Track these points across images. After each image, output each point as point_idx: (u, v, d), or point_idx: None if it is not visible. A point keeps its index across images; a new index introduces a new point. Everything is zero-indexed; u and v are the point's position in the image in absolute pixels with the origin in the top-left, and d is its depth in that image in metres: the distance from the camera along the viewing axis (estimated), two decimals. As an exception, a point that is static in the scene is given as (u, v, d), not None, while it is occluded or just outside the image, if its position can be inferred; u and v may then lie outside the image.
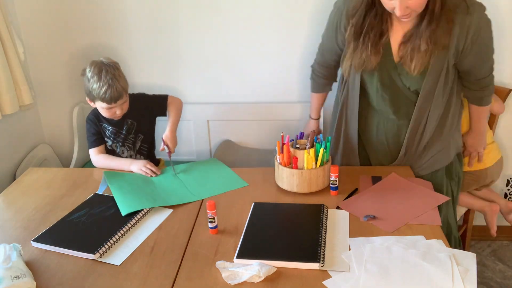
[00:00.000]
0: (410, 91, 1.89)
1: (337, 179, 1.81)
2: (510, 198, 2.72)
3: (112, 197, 1.83)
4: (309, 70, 2.51)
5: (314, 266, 1.41)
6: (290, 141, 1.86)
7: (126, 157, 2.20)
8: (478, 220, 2.63)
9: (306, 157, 1.78)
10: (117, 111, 2.05)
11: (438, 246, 1.49)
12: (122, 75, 2.05)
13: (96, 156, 2.15)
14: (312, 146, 1.83)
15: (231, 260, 1.46)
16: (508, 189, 2.69)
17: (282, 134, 1.89)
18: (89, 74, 2.01)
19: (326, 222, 1.63)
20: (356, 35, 1.81)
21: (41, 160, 2.61)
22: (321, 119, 2.54)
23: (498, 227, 2.76)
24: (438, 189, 1.91)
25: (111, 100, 1.99)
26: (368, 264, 1.41)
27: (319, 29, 2.37)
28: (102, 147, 2.16)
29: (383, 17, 1.79)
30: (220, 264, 1.43)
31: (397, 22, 1.80)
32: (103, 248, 1.54)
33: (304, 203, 1.76)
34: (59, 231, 1.66)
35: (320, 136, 1.88)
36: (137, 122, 2.19)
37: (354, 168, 2.05)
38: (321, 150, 1.80)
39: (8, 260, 1.41)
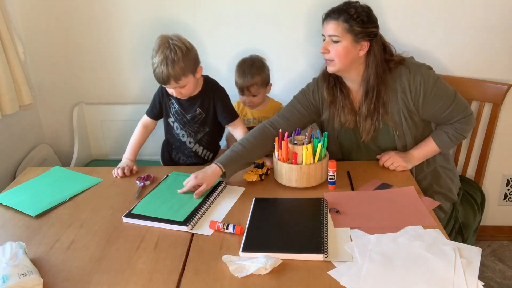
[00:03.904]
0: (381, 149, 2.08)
1: (335, 173, 1.84)
2: (510, 198, 2.73)
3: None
4: (310, 70, 2.53)
5: (319, 257, 1.44)
6: (288, 137, 1.88)
7: (185, 141, 2.17)
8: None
9: (304, 152, 1.80)
10: (174, 92, 2.00)
11: (443, 238, 1.51)
12: (180, 59, 1.89)
13: (140, 125, 2.21)
14: (310, 142, 1.86)
15: (236, 254, 1.47)
16: (508, 189, 2.71)
17: (280, 131, 1.91)
18: (153, 49, 1.93)
19: (326, 214, 1.66)
20: (331, 103, 2.05)
21: (41, 160, 2.60)
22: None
23: (498, 227, 2.79)
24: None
25: (158, 80, 1.95)
26: (373, 253, 1.45)
27: (319, 29, 2.38)
28: (150, 120, 2.21)
29: (346, 88, 2.05)
30: (226, 258, 1.44)
31: (353, 89, 2.04)
32: (193, 221, 1.65)
33: (304, 197, 1.79)
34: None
35: (318, 132, 1.89)
36: (206, 114, 2.12)
37: (354, 162, 2.08)
38: (319, 145, 1.83)
39: (15, 258, 1.41)
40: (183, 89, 1.98)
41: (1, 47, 2.23)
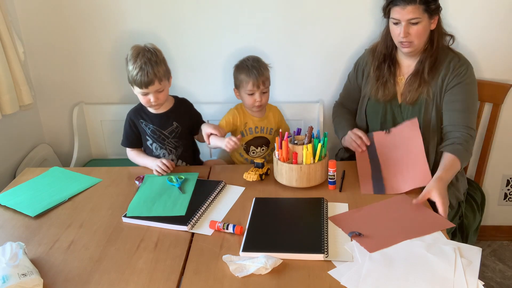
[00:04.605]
0: None
1: (335, 173, 1.84)
2: (510, 198, 2.73)
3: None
4: (311, 70, 2.54)
5: (319, 257, 1.44)
6: (288, 137, 1.88)
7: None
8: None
9: (305, 152, 1.80)
10: (152, 99, 2.00)
11: (443, 238, 1.51)
12: (161, 62, 1.99)
13: (131, 152, 2.18)
14: (310, 142, 1.86)
15: (237, 254, 1.48)
16: (508, 189, 2.71)
17: (280, 131, 1.91)
18: (128, 57, 1.99)
19: (326, 214, 1.66)
20: (376, 78, 2.13)
21: (41, 160, 2.60)
22: (321, 118, 2.56)
23: (498, 227, 2.79)
24: None
25: (141, 84, 1.94)
26: (374, 253, 1.45)
27: (320, 29, 2.40)
28: (133, 149, 2.19)
29: (394, 65, 2.12)
30: (227, 257, 1.44)
31: (404, 64, 2.11)
32: (193, 221, 1.65)
33: (304, 197, 1.79)
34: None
35: (317, 131, 1.90)
36: (182, 127, 2.14)
37: (354, 162, 2.06)
38: (319, 145, 1.83)
39: (15, 258, 1.40)
40: (161, 94, 2.01)
41: (1, 47, 2.23)
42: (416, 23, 1.93)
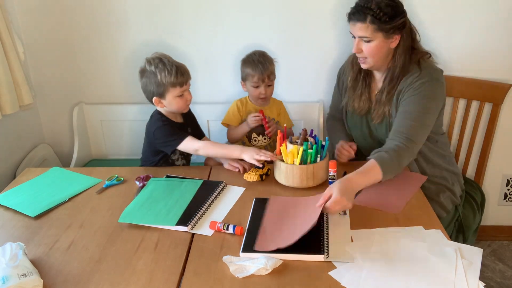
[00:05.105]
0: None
1: (335, 174, 1.83)
2: (510, 198, 2.73)
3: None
4: (312, 71, 2.54)
5: (319, 257, 1.44)
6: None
7: (179, 165, 2.17)
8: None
9: (283, 151, 1.83)
10: (188, 96, 2.05)
11: (444, 239, 1.51)
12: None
13: (199, 142, 2.01)
14: (301, 144, 1.86)
15: (237, 255, 1.47)
16: (508, 189, 2.71)
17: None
18: (151, 68, 1.98)
19: (327, 215, 1.65)
20: (351, 88, 2.09)
21: (41, 160, 2.60)
22: (321, 118, 2.56)
23: (498, 227, 2.79)
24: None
25: (183, 77, 1.99)
26: (374, 254, 1.45)
27: (321, 29, 2.40)
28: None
29: (370, 78, 2.07)
30: (227, 258, 1.44)
31: (377, 79, 2.06)
32: (193, 221, 1.65)
33: (304, 197, 1.77)
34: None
35: (316, 138, 1.90)
36: (192, 131, 2.17)
37: (354, 163, 2.05)
38: (301, 149, 1.81)
39: (15, 259, 1.40)
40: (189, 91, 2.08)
41: (1, 47, 2.22)
42: (368, 41, 1.86)
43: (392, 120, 1.96)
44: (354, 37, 1.90)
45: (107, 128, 2.73)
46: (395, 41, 1.88)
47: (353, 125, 2.17)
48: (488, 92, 2.35)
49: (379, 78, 2.04)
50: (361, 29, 1.84)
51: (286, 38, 2.51)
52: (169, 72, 1.96)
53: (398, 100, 1.93)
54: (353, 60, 2.07)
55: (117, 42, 2.56)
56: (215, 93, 2.65)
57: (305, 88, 2.60)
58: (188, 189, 1.87)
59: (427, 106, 1.86)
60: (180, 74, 1.99)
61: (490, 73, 2.44)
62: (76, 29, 2.54)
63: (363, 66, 1.96)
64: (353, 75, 2.07)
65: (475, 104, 2.47)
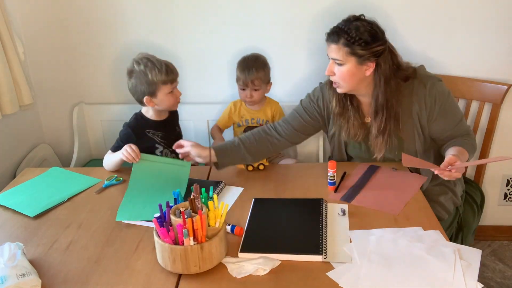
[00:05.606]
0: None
1: (335, 174, 1.83)
2: (510, 198, 2.72)
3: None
4: (311, 71, 2.53)
5: (317, 258, 1.43)
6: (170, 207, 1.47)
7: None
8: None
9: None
10: (177, 92, 2.08)
11: (443, 240, 1.51)
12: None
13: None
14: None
15: (235, 255, 1.47)
16: (508, 189, 2.70)
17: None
18: (140, 68, 1.99)
19: (326, 215, 1.66)
20: (339, 115, 1.96)
21: (41, 160, 2.60)
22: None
23: (497, 227, 2.79)
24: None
25: (173, 74, 2.02)
26: (372, 255, 1.44)
27: (321, 29, 2.38)
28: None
29: (357, 101, 1.96)
30: (225, 258, 1.44)
31: (364, 102, 1.96)
32: None
33: (303, 198, 1.79)
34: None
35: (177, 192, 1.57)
36: (182, 131, 2.26)
37: (354, 163, 2.06)
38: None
39: (13, 259, 1.40)
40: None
41: (1, 47, 2.23)
42: (340, 64, 1.78)
43: (416, 135, 1.91)
44: (329, 58, 1.84)
45: (107, 128, 2.73)
46: (369, 69, 1.78)
47: (357, 154, 2.08)
48: (488, 92, 2.35)
49: (367, 102, 1.94)
50: (334, 50, 1.78)
51: (283, 39, 2.51)
52: (159, 70, 1.98)
53: (421, 118, 1.88)
54: (331, 85, 1.94)
55: (117, 42, 2.56)
56: (215, 93, 2.65)
57: (304, 89, 2.59)
58: (180, 173, 1.89)
59: (451, 103, 1.89)
60: (170, 71, 2.01)
61: (490, 73, 2.44)
62: (76, 29, 2.55)
63: (338, 90, 1.86)
64: (338, 97, 1.93)
65: (475, 104, 2.46)
